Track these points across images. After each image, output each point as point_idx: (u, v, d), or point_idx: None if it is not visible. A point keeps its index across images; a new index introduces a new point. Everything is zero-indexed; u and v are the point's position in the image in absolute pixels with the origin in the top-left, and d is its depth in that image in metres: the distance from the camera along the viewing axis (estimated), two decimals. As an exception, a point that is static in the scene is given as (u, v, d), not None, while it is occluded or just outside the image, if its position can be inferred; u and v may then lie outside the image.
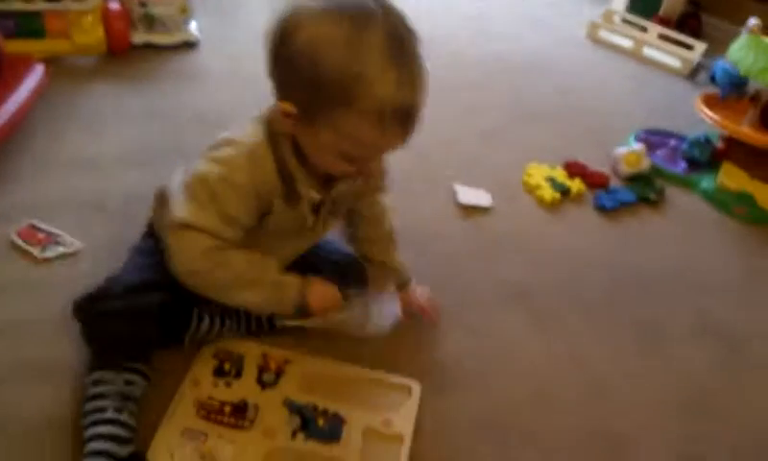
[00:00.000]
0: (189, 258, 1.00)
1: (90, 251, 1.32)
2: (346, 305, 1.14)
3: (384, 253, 1.30)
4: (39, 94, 1.64)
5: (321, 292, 1.10)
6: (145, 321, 1.03)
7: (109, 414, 0.97)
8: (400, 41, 0.90)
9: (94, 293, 1.07)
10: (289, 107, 0.94)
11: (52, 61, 1.79)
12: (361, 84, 0.88)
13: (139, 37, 2.00)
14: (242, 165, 1.00)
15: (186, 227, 0.99)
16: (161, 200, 1.17)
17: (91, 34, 1.87)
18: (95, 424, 0.97)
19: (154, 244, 1.17)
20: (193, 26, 2.11)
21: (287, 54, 0.91)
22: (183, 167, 1.22)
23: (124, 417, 0.98)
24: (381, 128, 0.91)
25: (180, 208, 1.00)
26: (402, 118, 0.92)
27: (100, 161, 1.56)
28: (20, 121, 1.55)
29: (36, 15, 1.81)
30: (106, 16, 1.89)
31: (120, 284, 1.07)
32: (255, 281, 1.05)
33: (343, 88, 0.88)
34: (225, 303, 1.09)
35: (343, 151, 0.96)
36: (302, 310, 1.10)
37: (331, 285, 1.12)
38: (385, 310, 1.17)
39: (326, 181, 1.09)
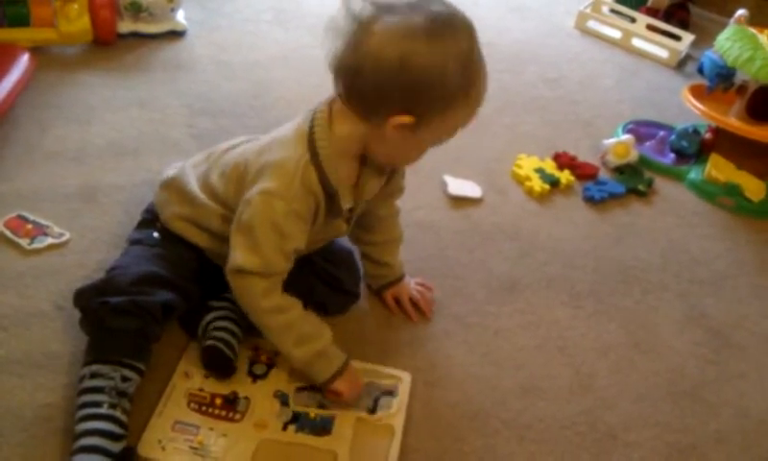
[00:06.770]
0: (252, 300, 1.07)
1: (79, 242, 1.32)
2: (361, 398, 1.15)
3: (388, 254, 1.32)
4: (26, 82, 1.62)
5: (351, 381, 1.12)
6: (149, 319, 1.03)
7: (105, 409, 0.97)
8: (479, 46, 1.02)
9: (99, 284, 1.07)
10: (407, 119, 0.99)
11: (38, 52, 1.77)
12: (475, 86, 1.02)
13: (126, 26, 1.97)
14: (299, 194, 1.03)
15: (244, 272, 1.05)
16: (169, 189, 1.20)
17: (77, 22, 1.85)
18: (89, 418, 0.96)
19: (153, 233, 1.19)
20: (180, 15, 2.08)
21: (411, 78, 0.96)
22: (199, 156, 1.24)
23: (118, 413, 0.97)
24: (473, 112, 1.05)
25: (240, 255, 1.05)
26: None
27: (87, 151, 1.55)
28: (6, 109, 1.54)
29: (21, 3, 1.79)
30: (92, 5, 1.86)
31: (125, 278, 1.07)
32: (308, 338, 1.09)
33: (466, 93, 1.00)
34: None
35: (438, 141, 1.07)
36: (325, 387, 1.12)
37: (358, 376, 1.14)
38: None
39: (354, 188, 1.12)
